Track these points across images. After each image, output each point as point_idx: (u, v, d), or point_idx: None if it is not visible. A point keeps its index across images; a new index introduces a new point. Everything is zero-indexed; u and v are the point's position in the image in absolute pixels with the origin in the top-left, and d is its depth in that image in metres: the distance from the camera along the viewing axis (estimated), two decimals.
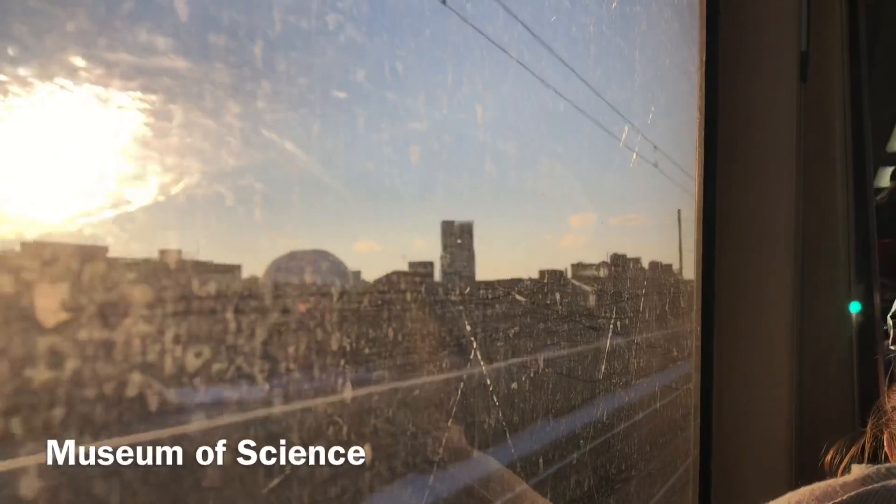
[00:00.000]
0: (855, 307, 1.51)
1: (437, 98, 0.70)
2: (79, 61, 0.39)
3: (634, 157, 1.21)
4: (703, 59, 1.54)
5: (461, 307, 0.77)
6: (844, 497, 0.76)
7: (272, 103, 0.50)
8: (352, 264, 0.63)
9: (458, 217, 0.80)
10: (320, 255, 0.59)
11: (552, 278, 1.00)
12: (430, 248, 0.76)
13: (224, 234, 0.50)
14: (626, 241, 1.42)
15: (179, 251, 0.45)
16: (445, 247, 0.79)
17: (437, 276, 0.78)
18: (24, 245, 0.39)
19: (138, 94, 0.42)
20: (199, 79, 0.44)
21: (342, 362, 0.59)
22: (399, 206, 0.69)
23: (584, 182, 1.21)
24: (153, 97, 0.42)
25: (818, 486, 0.80)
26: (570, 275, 1.06)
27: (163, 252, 0.44)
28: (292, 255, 0.56)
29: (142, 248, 0.44)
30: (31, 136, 0.40)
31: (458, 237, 0.80)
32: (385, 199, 0.66)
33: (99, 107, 0.40)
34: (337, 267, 0.60)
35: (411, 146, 0.64)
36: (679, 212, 1.34)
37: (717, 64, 1.56)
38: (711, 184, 1.58)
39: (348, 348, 0.59)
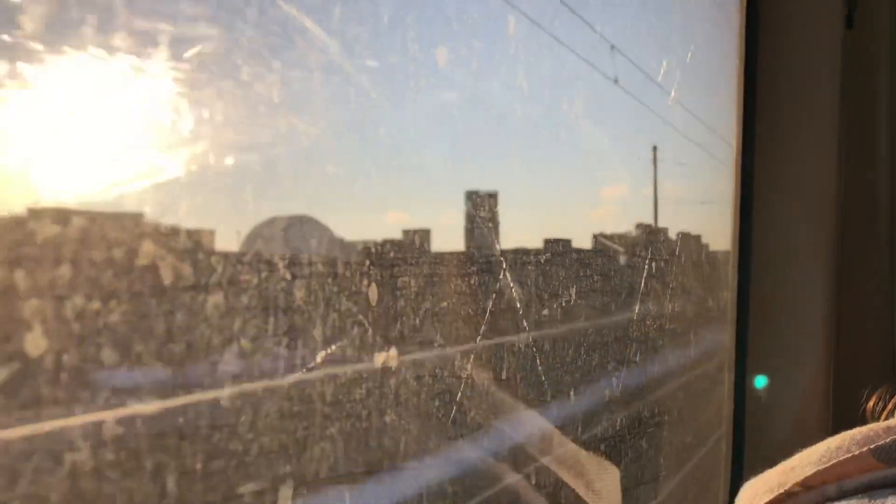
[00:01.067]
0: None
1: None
2: None
3: (671, 99, 1.17)
4: (745, 4, 1.48)
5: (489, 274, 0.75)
6: (888, 440, 0.72)
7: None
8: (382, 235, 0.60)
9: (488, 171, 0.77)
10: (303, 221, 0.54)
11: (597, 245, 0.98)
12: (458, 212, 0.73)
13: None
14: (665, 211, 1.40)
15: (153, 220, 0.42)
16: (473, 213, 0.75)
17: (457, 244, 0.75)
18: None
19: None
20: None
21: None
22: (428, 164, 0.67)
23: (619, 150, 1.19)
24: None
25: (859, 431, 0.76)
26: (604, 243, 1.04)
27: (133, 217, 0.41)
28: (272, 222, 0.51)
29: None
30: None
31: (483, 205, 0.76)
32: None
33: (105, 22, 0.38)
34: (323, 233, 0.55)
35: (438, 47, 0.62)
36: (654, 148, 1.28)
37: (758, 12, 1.51)
38: (750, 141, 1.54)
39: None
